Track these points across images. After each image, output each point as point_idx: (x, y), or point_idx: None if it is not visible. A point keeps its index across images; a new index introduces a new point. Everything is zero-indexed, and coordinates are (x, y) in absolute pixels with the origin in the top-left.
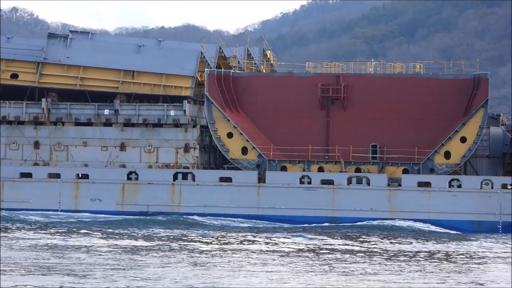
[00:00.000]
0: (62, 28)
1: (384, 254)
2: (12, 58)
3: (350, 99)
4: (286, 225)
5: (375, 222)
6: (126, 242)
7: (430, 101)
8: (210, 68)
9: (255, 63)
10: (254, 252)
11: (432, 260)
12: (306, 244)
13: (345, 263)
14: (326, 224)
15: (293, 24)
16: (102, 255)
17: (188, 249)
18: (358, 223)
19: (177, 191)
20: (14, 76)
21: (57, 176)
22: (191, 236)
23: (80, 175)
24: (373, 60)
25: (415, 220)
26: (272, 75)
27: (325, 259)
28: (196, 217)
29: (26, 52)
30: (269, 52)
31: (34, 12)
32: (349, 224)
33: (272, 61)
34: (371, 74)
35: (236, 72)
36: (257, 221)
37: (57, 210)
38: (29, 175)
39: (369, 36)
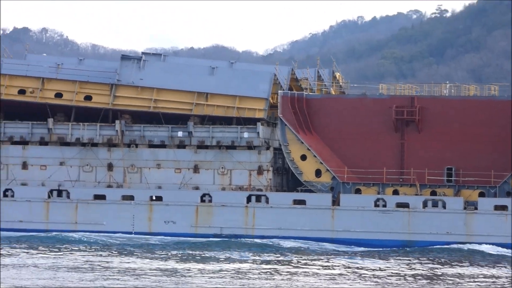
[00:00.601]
0: (91, 49)
1: (432, 278)
2: (86, 80)
3: (425, 122)
4: (359, 249)
5: (450, 246)
6: (177, 264)
7: (506, 123)
8: (283, 90)
9: (324, 84)
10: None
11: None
12: (354, 268)
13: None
14: (401, 247)
15: (322, 44)
16: (148, 277)
17: (238, 270)
18: (434, 247)
19: (251, 214)
20: (88, 98)
21: (131, 198)
22: (250, 257)
23: (153, 197)
24: (447, 82)
25: (492, 244)
26: (346, 97)
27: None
28: (267, 240)
29: (100, 74)
30: (338, 73)
31: (63, 32)
32: (425, 247)
33: (341, 83)
34: (446, 96)
35: (309, 94)
36: (331, 244)
37: (130, 233)
38: (103, 197)
39: (398, 56)
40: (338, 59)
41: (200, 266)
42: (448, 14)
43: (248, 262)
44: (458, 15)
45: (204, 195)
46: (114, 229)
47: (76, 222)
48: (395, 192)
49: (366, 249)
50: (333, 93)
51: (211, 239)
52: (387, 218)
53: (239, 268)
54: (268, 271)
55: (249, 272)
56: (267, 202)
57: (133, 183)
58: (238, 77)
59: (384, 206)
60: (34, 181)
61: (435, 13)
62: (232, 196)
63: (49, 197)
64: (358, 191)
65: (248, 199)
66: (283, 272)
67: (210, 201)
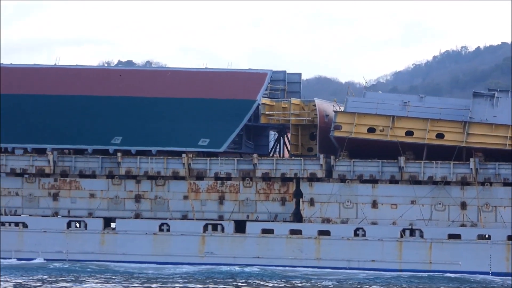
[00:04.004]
0: None
1: None
2: (438, 118)
3: None
4: None
5: None
6: None
7: None
8: None
9: None
10: None
11: None
12: None
13: None
14: None
15: (425, 75)
16: None
17: None
18: None
19: None
20: (439, 135)
21: (487, 237)
22: None
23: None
24: None
25: None
26: None
27: None
28: None
29: (450, 111)
30: None
31: (167, 65)
32: None
33: None
34: None
35: None
36: None
37: (487, 273)
38: (457, 236)
39: (503, 86)
40: (442, 90)
41: None
42: None
43: None
44: None
45: None
46: (470, 269)
47: (430, 262)
48: None
49: None
50: None
51: None
52: None
53: None
54: None
55: None
56: None
57: (488, 222)
58: None
59: None
60: (384, 220)
61: None
62: None
63: (401, 236)
64: None
65: None
66: None
67: None
